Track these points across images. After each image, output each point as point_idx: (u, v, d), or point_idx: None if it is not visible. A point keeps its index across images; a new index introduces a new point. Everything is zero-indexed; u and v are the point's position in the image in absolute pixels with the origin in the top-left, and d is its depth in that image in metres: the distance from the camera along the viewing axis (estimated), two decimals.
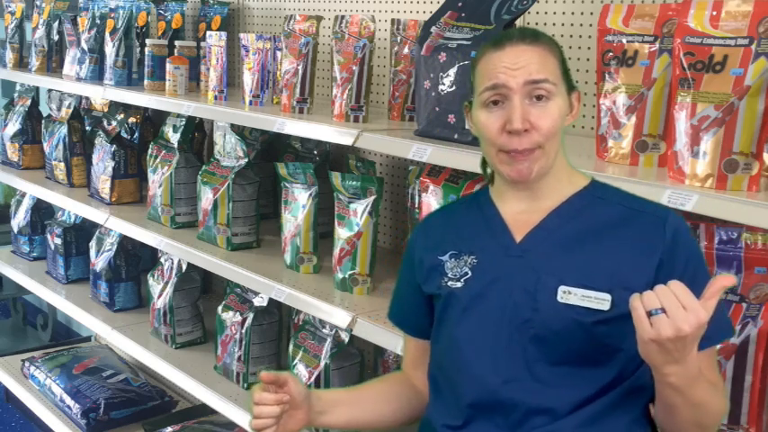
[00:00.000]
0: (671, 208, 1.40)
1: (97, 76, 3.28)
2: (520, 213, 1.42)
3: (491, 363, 1.37)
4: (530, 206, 1.42)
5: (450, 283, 1.43)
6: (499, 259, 1.40)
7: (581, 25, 2.17)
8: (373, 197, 2.24)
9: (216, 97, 2.70)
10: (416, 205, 2.33)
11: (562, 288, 1.33)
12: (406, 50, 2.36)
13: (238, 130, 2.74)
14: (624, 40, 1.72)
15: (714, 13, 1.50)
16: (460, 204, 1.58)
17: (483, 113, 1.39)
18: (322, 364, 2.33)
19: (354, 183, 2.25)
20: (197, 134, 3.34)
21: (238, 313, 2.69)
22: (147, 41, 3.03)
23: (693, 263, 1.35)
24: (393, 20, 2.40)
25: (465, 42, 1.89)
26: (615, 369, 1.34)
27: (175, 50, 2.99)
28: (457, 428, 1.42)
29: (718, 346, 1.46)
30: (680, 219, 1.37)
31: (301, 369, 2.37)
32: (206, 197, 2.74)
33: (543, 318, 1.34)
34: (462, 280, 1.41)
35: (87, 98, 3.76)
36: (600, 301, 1.31)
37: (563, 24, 2.20)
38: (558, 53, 1.40)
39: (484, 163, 1.51)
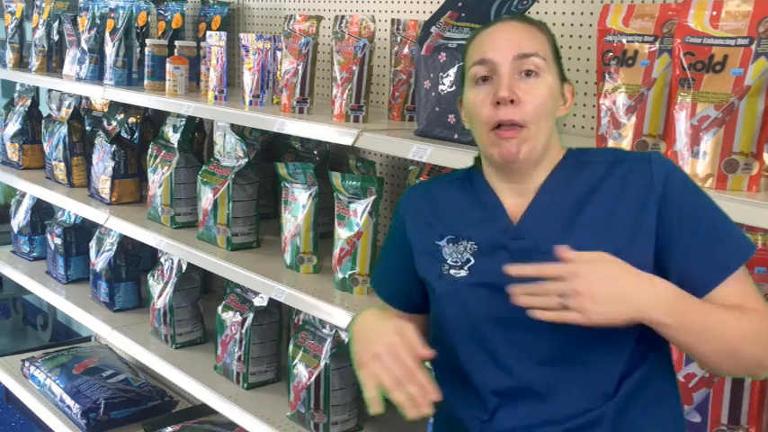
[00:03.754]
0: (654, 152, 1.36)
1: (97, 76, 3.28)
2: (516, 204, 1.39)
3: (513, 348, 1.33)
4: (527, 199, 1.39)
5: (452, 272, 1.38)
6: (500, 244, 1.37)
7: (581, 25, 2.17)
8: (373, 197, 2.24)
9: (216, 97, 2.70)
10: None
11: None
12: (406, 50, 2.36)
13: (238, 130, 2.74)
14: (624, 40, 1.72)
15: (714, 13, 1.50)
16: (449, 181, 1.51)
17: (472, 91, 1.37)
18: (322, 364, 2.33)
19: (354, 183, 2.25)
20: (197, 134, 3.34)
21: (238, 313, 2.69)
22: (147, 41, 3.03)
23: (689, 201, 1.30)
24: (393, 20, 2.40)
25: (465, 42, 1.88)
26: (636, 336, 1.29)
27: (175, 50, 2.99)
28: (486, 421, 1.37)
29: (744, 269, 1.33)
30: (664, 159, 1.34)
31: (301, 369, 2.37)
32: (206, 197, 2.74)
33: None
34: (466, 268, 1.37)
35: (87, 98, 3.76)
36: None
37: (563, 24, 2.20)
38: (549, 36, 1.39)
39: (476, 161, 1.49)
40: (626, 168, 1.33)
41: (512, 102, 1.31)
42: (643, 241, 1.29)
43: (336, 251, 2.29)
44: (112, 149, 3.27)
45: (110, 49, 3.18)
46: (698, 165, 1.50)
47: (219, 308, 2.76)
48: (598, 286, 1.18)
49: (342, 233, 2.27)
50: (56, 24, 3.67)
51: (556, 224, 1.34)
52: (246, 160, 2.71)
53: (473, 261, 1.37)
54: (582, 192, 1.35)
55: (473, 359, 1.38)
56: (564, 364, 1.31)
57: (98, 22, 3.26)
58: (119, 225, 3.07)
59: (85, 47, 3.29)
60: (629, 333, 1.28)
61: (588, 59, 2.13)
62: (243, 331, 2.65)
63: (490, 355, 1.36)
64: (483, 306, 1.36)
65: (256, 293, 2.67)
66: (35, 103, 4.01)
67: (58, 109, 3.72)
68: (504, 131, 1.32)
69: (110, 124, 3.37)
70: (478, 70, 1.35)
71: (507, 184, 1.40)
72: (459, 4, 1.96)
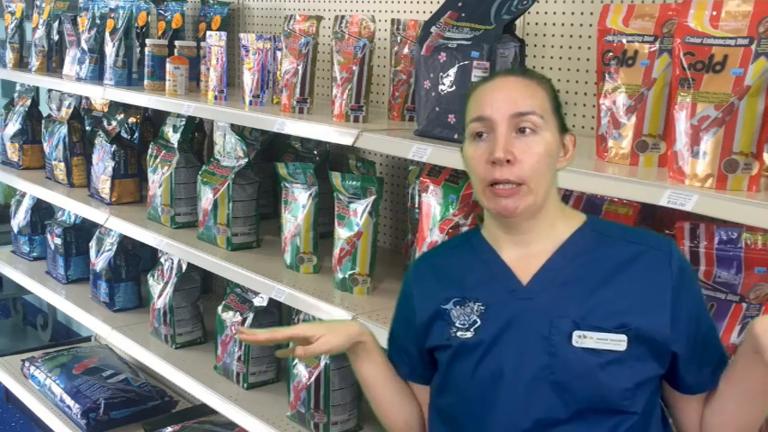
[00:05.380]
0: (670, 239, 1.41)
1: (97, 76, 3.28)
2: (519, 259, 1.40)
3: (511, 413, 1.33)
4: (527, 251, 1.40)
5: (459, 334, 1.39)
6: (507, 304, 1.37)
7: (581, 25, 2.17)
8: (373, 197, 2.24)
9: (216, 97, 2.70)
10: (416, 205, 2.33)
11: (577, 333, 1.31)
12: (406, 50, 2.36)
13: (238, 130, 2.74)
14: (624, 40, 1.72)
15: (714, 13, 1.50)
16: (451, 248, 1.55)
17: (470, 147, 1.39)
18: (322, 364, 2.33)
19: (354, 183, 2.25)
20: (197, 134, 3.34)
21: (238, 313, 2.69)
22: (147, 41, 3.03)
23: (696, 298, 1.38)
24: (393, 20, 2.40)
25: (465, 42, 1.89)
26: (638, 410, 1.32)
27: (175, 50, 2.99)
28: None
29: None
30: (680, 251, 1.38)
31: (301, 369, 2.37)
32: (206, 197, 2.74)
33: (561, 362, 1.31)
34: (472, 329, 1.38)
35: (87, 98, 3.76)
36: (616, 342, 1.30)
37: (563, 24, 2.20)
38: (550, 90, 1.40)
39: (479, 218, 1.50)
40: (649, 257, 1.36)
41: (508, 161, 1.32)
42: (658, 320, 1.32)
43: (336, 251, 2.28)
44: (112, 149, 3.27)
45: (110, 49, 3.18)
46: (698, 165, 1.50)
47: (219, 308, 2.76)
48: None
49: (342, 233, 2.27)
50: (56, 24, 3.67)
51: (566, 290, 1.36)
52: (246, 160, 2.71)
53: (479, 323, 1.38)
54: (599, 266, 1.37)
55: (469, 423, 1.39)
56: (554, 427, 1.32)
57: (98, 22, 3.25)
58: (119, 225, 3.07)
59: (85, 47, 3.29)
60: (631, 407, 1.32)
61: (588, 59, 2.13)
62: None
63: (487, 421, 1.35)
64: (486, 367, 1.36)
65: (256, 293, 2.67)
66: (35, 103, 4.01)
67: (58, 109, 3.72)
68: (501, 190, 1.33)
69: (110, 124, 3.37)
70: (476, 126, 1.37)
71: (507, 236, 1.41)
72: (459, 4, 1.96)
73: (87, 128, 3.57)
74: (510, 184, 1.33)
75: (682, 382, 1.39)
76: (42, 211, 3.98)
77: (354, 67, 2.25)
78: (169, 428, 3.12)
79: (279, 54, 2.59)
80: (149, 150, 3.09)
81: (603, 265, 1.37)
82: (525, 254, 1.40)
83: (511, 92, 1.36)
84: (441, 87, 1.93)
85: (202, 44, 2.88)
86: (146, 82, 3.02)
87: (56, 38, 3.69)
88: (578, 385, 1.31)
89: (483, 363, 1.36)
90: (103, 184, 3.30)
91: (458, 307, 1.41)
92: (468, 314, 1.40)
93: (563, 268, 1.38)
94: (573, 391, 1.31)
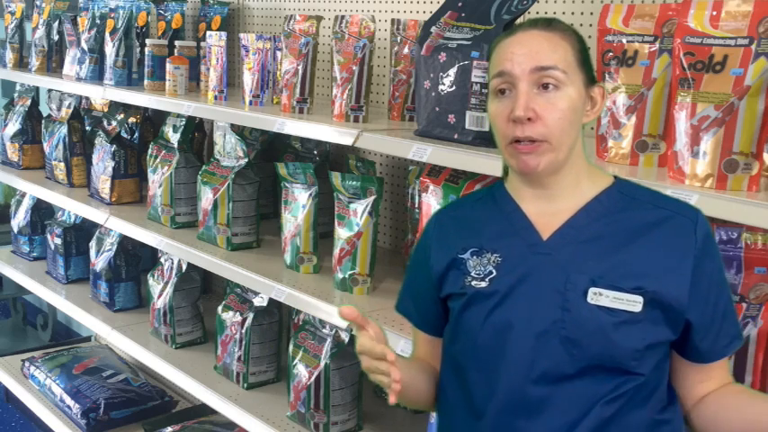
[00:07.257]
0: (698, 208, 1.38)
1: (97, 76, 3.28)
2: (541, 215, 1.38)
3: (518, 363, 1.33)
4: (550, 206, 1.38)
5: (474, 283, 1.38)
6: (525, 257, 1.36)
7: (581, 25, 2.17)
8: (373, 197, 2.24)
9: (216, 97, 2.70)
10: (416, 205, 2.33)
11: (593, 289, 1.30)
12: (406, 50, 2.36)
13: (238, 130, 2.74)
14: (624, 40, 1.72)
15: (714, 13, 1.50)
16: (474, 200, 1.52)
17: (493, 103, 1.36)
18: (322, 364, 2.33)
19: (354, 183, 2.25)
20: (197, 134, 3.34)
21: (238, 313, 2.69)
22: (147, 41, 3.03)
23: (718, 270, 1.36)
24: (393, 20, 2.40)
25: (465, 42, 1.89)
26: (645, 372, 1.32)
27: (175, 50, 2.99)
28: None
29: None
30: (706, 221, 1.36)
31: (301, 369, 2.37)
32: (206, 197, 2.74)
33: (574, 318, 1.30)
34: (487, 279, 1.37)
35: (87, 98, 3.76)
36: (632, 302, 1.29)
37: None
38: (576, 41, 1.36)
39: (505, 167, 1.49)
40: (674, 223, 1.34)
41: (529, 119, 1.30)
42: (677, 286, 1.31)
43: (336, 251, 2.28)
44: (112, 149, 3.27)
45: (110, 49, 3.18)
46: (698, 165, 1.50)
47: (219, 308, 2.76)
48: None
49: (342, 233, 2.27)
50: (56, 24, 3.67)
51: (587, 248, 1.34)
52: (246, 160, 2.71)
53: (494, 273, 1.37)
54: (623, 228, 1.35)
55: (476, 372, 1.38)
56: (563, 382, 1.31)
57: (98, 22, 3.26)
58: (119, 225, 3.07)
59: (85, 47, 3.29)
60: (638, 367, 1.31)
61: None
62: (243, 331, 2.65)
63: (494, 370, 1.35)
64: (497, 316, 1.35)
65: (256, 293, 2.67)
66: (35, 103, 4.01)
67: (58, 109, 3.72)
68: (522, 147, 1.32)
69: (110, 124, 3.37)
70: (497, 83, 1.35)
71: (530, 190, 1.40)
72: (459, 4, 1.96)
73: (87, 128, 3.57)
74: (533, 141, 1.31)
75: (694, 351, 1.36)
76: (42, 211, 3.98)
77: (354, 67, 2.25)
78: (169, 428, 3.12)
79: (279, 54, 2.59)
80: (149, 150, 3.09)
81: (627, 227, 1.35)
82: (548, 209, 1.38)
83: (532, 46, 1.32)
84: (441, 87, 1.93)
85: (202, 44, 2.88)
86: (146, 82, 3.03)
87: (56, 38, 3.69)
88: (589, 342, 1.30)
89: (495, 312, 1.35)
90: (103, 184, 3.30)
91: (474, 257, 1.40)
92: (485, 265, 1.38)
93: (586, 227, 1.36)
94: (582, 347, 1.30)
